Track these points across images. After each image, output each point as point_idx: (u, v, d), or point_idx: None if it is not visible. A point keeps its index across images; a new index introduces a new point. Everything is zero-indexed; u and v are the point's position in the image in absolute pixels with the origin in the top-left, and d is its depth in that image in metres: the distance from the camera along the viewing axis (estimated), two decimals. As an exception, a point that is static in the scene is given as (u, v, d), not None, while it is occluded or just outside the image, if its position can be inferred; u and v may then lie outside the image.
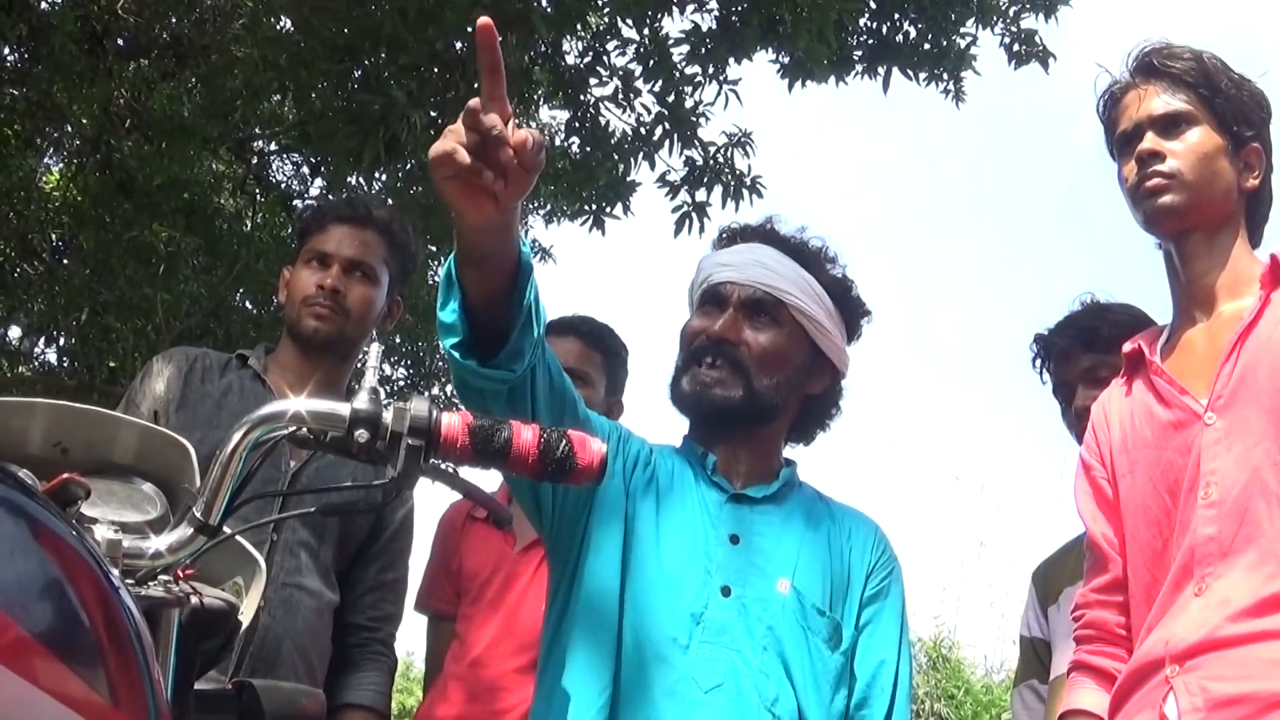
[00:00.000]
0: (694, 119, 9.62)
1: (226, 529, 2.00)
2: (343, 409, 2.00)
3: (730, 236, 3.31)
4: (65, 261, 11.75)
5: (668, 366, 3.17)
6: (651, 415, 3.18)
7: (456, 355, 2.59)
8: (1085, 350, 3.94)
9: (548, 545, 3.06)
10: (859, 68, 9.56)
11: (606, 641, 2.85)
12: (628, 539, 2.94)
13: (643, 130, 9.72)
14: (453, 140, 2.29)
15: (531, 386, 2.72)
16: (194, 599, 1.95)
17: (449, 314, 2.57)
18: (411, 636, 32.06)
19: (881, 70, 9.50)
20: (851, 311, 3.24)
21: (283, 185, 13.14)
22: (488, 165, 2.28)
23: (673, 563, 2.92)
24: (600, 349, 4.54)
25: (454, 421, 2.04)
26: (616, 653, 2.83)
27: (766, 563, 2.96)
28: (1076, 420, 3.91)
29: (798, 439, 3.31)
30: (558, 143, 11.09)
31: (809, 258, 3.18)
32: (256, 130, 11.65)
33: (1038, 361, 4.14)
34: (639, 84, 9.69)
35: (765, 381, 3.05)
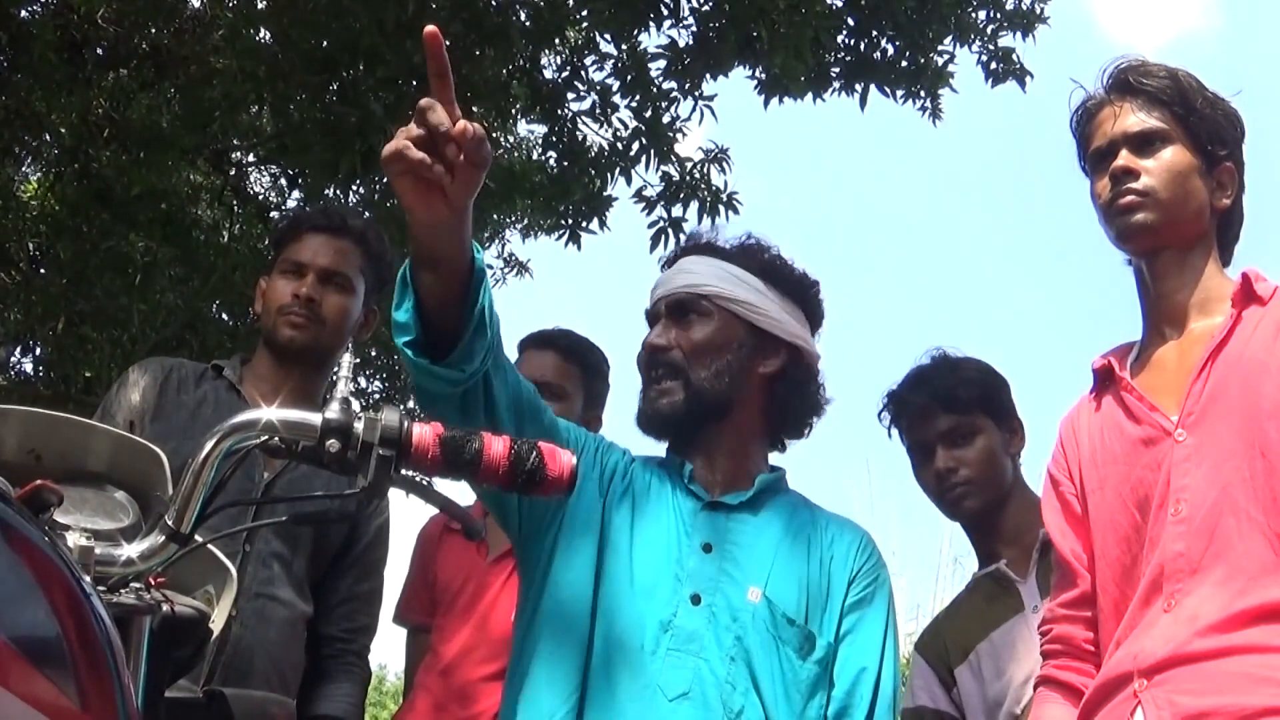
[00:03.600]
0: (671, 134, 9.63)
1: (198, 538, 2.00)
2: (314, 419, 2.01)
3: (668, 263, 3.35)
4: (42, 271, 11.70)
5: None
6: (631, 430, 3.20)
7: (409, 353, 2.64)
8: (945, 410, 3.94)
9: (518, 551, 3.09)
10: (836, 84, 9.58)
11: (575, 647, 2.87)
12: (602, 548, 2.98)
13: (620, 145, 9.72)
14: (403, 138, 2.40)
15: (485, 393, 2.77)
16: (165, 607, 1.96)
17: (402, 313, 2.63)
18: (384, 649, 31.92)
19: (859, 87, 9.52)
20: (795, 287, 3.25)
21: (260, 197, 13.12)
22: (437, 161, 2.40)
23: (644, 571, 2.94)
24: (578, 363, 4.53)
25: (425, 432, 2.05)
26: (585, 659, 2.86)
27: (738, 571, 2.97)
28: (936, 481, 3.93)
29: (787, 432, 3.30)
30: (535, 157, 11.10)
31: (731, 253, 3.23)
32: (235, 141, 11.64)
33: (886, 418, 4.13)
34: (616, 99, 9.71)
35: (703, 372, 3.08)
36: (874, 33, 9.41)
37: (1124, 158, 2.95)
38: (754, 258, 3.22)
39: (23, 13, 9.84)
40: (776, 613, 2.93)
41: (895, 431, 4.13)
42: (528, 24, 9.04)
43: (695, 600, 2.91)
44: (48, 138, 10.99)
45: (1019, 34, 9.65)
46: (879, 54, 9.49)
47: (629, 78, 9.53)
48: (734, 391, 3.12)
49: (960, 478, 3.89)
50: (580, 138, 9.90)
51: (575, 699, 2.83)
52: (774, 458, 3.31)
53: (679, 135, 9.70)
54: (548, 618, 2.94)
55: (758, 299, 3.14)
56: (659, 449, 3.23)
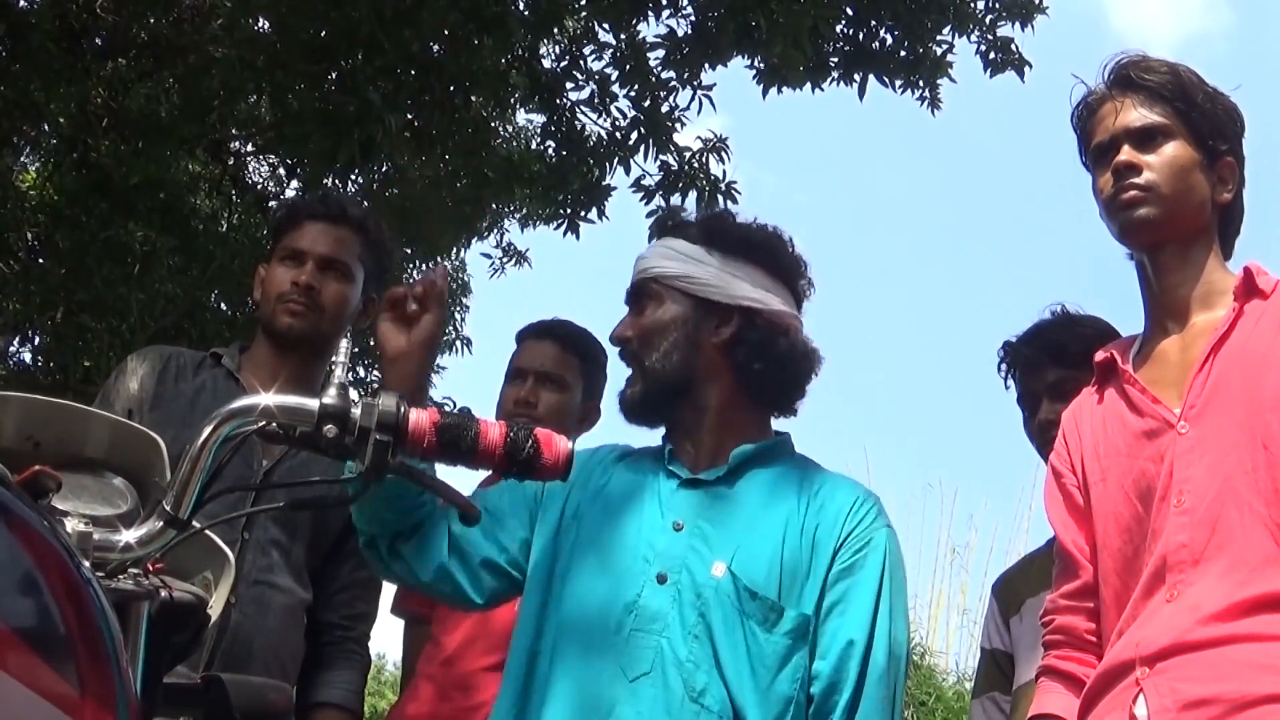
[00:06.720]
0: (669, 124, 9.64)
1: (196, 523, 2.00)
2: (311, 404, 2.01)
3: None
4: (41, 260, 11.68)
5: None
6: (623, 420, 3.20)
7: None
8: (1052, 363, 3.91)
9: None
10: (835, 74, 9.58)
11: (535, 633, 2.97)
12: (572, 544, 3.04)
13: (618, 135, 9.75)
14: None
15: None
16: (163, 592, 1.95)
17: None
18: (384, 639, 31.86)
19: (857, 77, 9.52)
20: (739, 245, 3.20)
21: (259, 186, 13.12)
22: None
23: (614, 555, 2.97)
24: (578, 354, 4.51)
25: (421, 418, 2.05)
26: (553, 641, 2.93)
27: (706, 547, 2.96)
28: (1039, 432, 3.91)
29: (772, 397, 3.23)
30: (533, 146, 11.10)
31: (673, 228, 3.28)
32: (233, 131, 11.63)
33: (1003, 368, 4.13)
34: (615, 88, 9.74)
35: (653, 355, 3.11)
36: (873, 22, 9.42)
37: (1126, 153, 2.96)
38: (694, 226, 3.25)
39: (21, 2, 9.84)
40: (740, 586, 2.90)
41: (1010, 382, 4.13)
42: (526, 13, 9.05)
43: (661, 579, 2.92)
44: (46, 127, 10.98)
45: (1018, 24, 9.66)
46: (878, 43, 9.50)
47: (627, 67, 9.56)
48: (688, 368, 3.12)
49: None
50: (579, 127, 9.91)
51: (542, 677, 2.92)
52: (780, 424, 3.29)
53: (678, 125, 9.71)
54: (526, 606, 3.04)
55: (695, 269, 3.13)
56: (642, 432, 3.26)
